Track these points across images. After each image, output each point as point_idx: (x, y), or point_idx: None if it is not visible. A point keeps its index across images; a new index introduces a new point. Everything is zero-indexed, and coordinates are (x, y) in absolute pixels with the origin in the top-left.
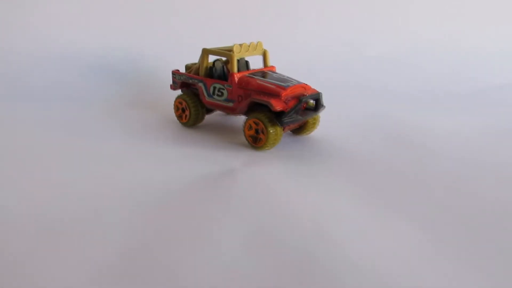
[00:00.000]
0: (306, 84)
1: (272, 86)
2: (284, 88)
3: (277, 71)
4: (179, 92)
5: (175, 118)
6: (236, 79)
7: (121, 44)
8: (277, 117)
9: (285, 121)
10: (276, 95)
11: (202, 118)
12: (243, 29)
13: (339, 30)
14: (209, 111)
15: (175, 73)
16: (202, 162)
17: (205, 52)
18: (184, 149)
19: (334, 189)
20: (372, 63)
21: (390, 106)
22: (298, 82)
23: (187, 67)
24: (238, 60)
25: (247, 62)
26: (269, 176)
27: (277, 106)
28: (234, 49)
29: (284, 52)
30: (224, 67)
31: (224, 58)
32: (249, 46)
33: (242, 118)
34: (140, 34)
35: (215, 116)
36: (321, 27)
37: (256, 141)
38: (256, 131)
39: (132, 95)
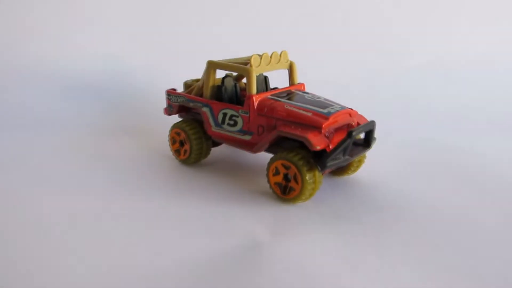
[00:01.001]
0: (352, 109)
1: (308, 114)
2: (325, 116)
3: (306, 89)
4: (175, 118)
5: (171, 153)
6: (256, 103)
7: (103, 58)
8: (316, 158)
9: (328, 164)
10: (314, 126)
11: (207, 153)
12: (259, 36)
13: (370, 35)
14: (216, 143)
15: (171, 93)
16: (210, 231)
17: (212, 66)
18: (183, 205)
19: (401, 263)
20: (412, 75)
21: (438, 128)
22: (342, 107)
23: (187, 86)
24: (256, 77)
25: (266, 79)
26: (311, 254)
27: (318, 143)
28: (252, 61)
29: (308, 65)
30: (237, 86)
31: (235, 74)
32: (270, 57)
33: (263, 156)
34: (128, 46)
35: (224, 149)
36: (348, 33)
37: (286, 191)
38: (286, 177)
39: (117, 122)
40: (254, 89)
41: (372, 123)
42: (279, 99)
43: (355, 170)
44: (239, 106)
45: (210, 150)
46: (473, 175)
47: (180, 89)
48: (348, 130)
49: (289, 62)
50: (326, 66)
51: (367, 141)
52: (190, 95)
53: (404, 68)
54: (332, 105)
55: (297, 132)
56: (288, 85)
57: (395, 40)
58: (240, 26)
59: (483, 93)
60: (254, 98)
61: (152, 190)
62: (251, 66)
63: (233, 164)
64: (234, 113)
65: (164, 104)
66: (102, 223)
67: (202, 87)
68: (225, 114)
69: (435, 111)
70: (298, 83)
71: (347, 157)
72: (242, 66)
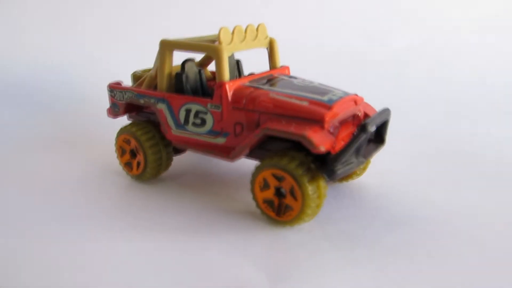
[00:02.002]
0: (357, 95)
1: (304, 104)
2: (326, 105)
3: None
4: (123, 121)
5: (120, 167)
6: (230, 92)
7: (31, 54)
8: (319, 162)
9: (339, 171)
10: (313, 119)
11: (168, 164)
12: (229, 15)
13: (356, 17)
14: (178, 150)
15: (114, 88)
16: (183, 279)
17: (166, 47)
18: (143, 239)
19: None
20: (400, 56)
21: (439, 115)
22: (345, 93)
23: (136, 77)
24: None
25: (238, 63)
26: None
27: (322, 143)
28: (222, 37)
29: (288, 48)
30: (202, 72)
31: (199, 58)
32: (245, 32)
33: (244, 164)
34: (54, 35)
35: (190, 157)
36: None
37: (280, 210)
38: (278, 192)
39: (50, 131)
40: (226, 74)
41: (387, 112)
42: (261, 86)
43: (360, 174)
44: (207, 99)
45: (171, 159)
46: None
47: (127, 83)
48: (361, 122)
49: (268, 38)
50: (304, 48)
51: (380, 136)
52: (140, 89)
53: (391, 49)
54: (332, 91)
55: (291, 129)
56: (268, 68)
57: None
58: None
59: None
60: (227, 86)
61: (99, 221)
62: (220, 43)
63: (203, 176)
64: (201, 108)
65: (107, 104)
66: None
67: (156, 77)
68: (188, 111)
69: (432, 96)
70: (281, 65)
71: (361, 159)
72: (208, 45)
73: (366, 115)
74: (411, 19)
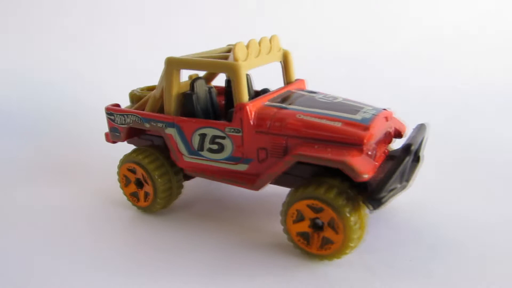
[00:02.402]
0: (387, 110)
1: (337, 125)
2: (362, 126)
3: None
4: (124, 146)
5: (124, 197)
6: (252, 115)
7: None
8: (356, 188)
9: (385, 198)
10: (350, 143)
11: (178, 193)
12: (226, 27)
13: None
14: (188, 176)
15: (113, 111)
16: None
17: (174, 65)
18: (154, 284)
19: None
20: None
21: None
22: (376, 110)
23: (135, 97)
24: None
25: (248, 78)
26: None
27: (365, 170)
28: (238, 52)
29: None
30: (212, 91)
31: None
32: (259, 45)
33: (268, 192)
34: (38, 56)
35: (200, 182)
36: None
37: (319, 245)
38: (314, 224)
39: (43, 161)
40: (245, 95)
41: (424, 128)
42: (285, 106)
43: None
44: (225, 122)
45: (182, 187)
46: None
47: (124, 103)
48: (405, 143)
49: (282, 51)
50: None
51: (416, 154)
52: (144, 112)
53: (386, 52)
54: (362, 107)
55: (328, 156)
56: (282, 83)
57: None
58: (197, 15)
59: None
60: (248, 108)
61: (106, 264)
62: (236, 60)
63: (217, 203)
64: (218, 133)
65: (105, 128)
66: None
67: (161, 98)
68: (203, 136)
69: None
70: (296, 79)
71: (404, 183)
72: (223, 62)
73: (396, 132)
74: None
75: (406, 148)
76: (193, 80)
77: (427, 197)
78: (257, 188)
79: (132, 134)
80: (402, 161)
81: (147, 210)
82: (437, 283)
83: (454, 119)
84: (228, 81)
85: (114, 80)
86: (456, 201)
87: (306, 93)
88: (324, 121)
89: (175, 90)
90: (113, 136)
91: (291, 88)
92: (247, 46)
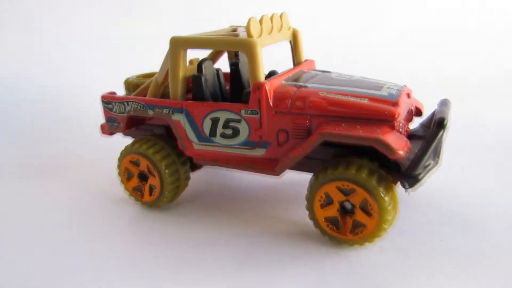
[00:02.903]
0: (406, 87)
1: (364, 101)
2: (391, 101)
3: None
4: (120, 141)
5: (124, 193)
6: (271, 94)
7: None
8: (386, 167)
9: (421, 176)
10: (381, 119)
11: (185, 185)
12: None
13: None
14: (195, 166)
15: (111, 99)
16: None
17: (179, 45)
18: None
19: None
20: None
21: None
22: (399, 86)
23: (132, 85)
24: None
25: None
26: None
27: (400, 147)
28: (251, 28)
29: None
30: (220, 73)
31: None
32: (271, 21)
33: (276, 180)
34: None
35: (205, 171)
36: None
37: (350, 229)
38: (342, 208)
39: (30, 157)
40: (262, 74)
41: (449, 103)
42: (303, 84)
43: None
44: (240, 104)
45: (189, 178)
46: None
47: (119, 91)
48: (437, 118)
49: (291, 29)
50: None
51: (438, 128)
52: (147, 98)
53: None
54: (384, 84)
55: (359, 133)
56: (292, 63)
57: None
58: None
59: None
60: (266, 87)
61: (112, 264)
62: (250, 36)
63: (225, 193)
64: (233, 116)
65: (99, 119)
66: None
67: (164, 83)
68: (215, 121)
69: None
70: (305, 59)
71: (437, 159)
72: (236, 39)
73: (417, 110)
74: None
75: (440, 123)
76: (201, 61)
77: (454, 179)
78: (278, 172)
79: (132, 124)
80: (436, 136)
81: (153, 205)
82: (473, 262)
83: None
84: (234, 64)
85: (103, 70)
86: (483, 184)
87: (320, 73)
88: (349, 98)
89: (182, 72)
90: (111, 127)
91: (303, 68)
92: (260, 22)
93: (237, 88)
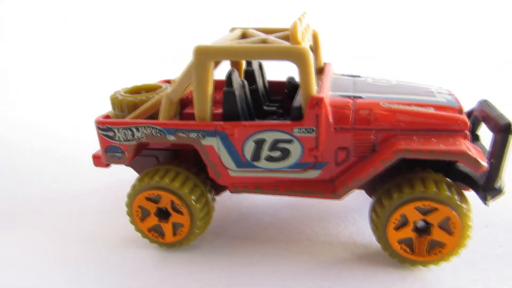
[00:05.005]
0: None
1: (430, 111)
2: (456, 108)
3: None
4: (118, 173)
5: (138, 234)
6: (330, 110)
7: None
8: (465, 181)
9: (502, 186)
10: (454, 130)
11: (213, 213)
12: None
13: None
14: (218, 188)
15: (111, 125)
16: None
17: (208, 57)
18: None
19: None
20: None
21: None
22: (444, 90)
23: (122, 103)
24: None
25: (260, 66)
26: None
27: (482, 157)
28: (298, 33)
29: None
30: (246, 85)
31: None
32: (303, 24)
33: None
34: None
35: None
36: None
37: (427, 248)
38: (417, 229)
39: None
40: (314, 86)
41: (492, 105)
42: (356, 94)
43: None
44: (291, 122)
45: (214, 208)
46: None
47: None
48: (501, 123)
49: (311, 30)
50: None
51: (474, 132)
52: (166, 121)
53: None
54: (429, 87)
55: (441, 148)
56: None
57: None
58: None
59: None
60: (324, 102)
61: None
62: (298, 43)
63: (250, 220)
64: (283, 136)
65: (89, 148)
66: None
67: (176, 103)
68: (261, 142)
69: None
70: (324, 63)
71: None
72: (285, 47)
73: None
74: None
75: (506, 128)
76: (230, 72)
77: None
78: (341, 196)
79: (139, 152)
80: (507, 142)
81: (178, 245)
82: None
83: None
84: (247, 72)
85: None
86: None
87: (351, 78)
88: (415, 108)
89: (211, 88)
90: (110, 158)
91: (329, 73)
92: (300, 23)
93: (253, 98)
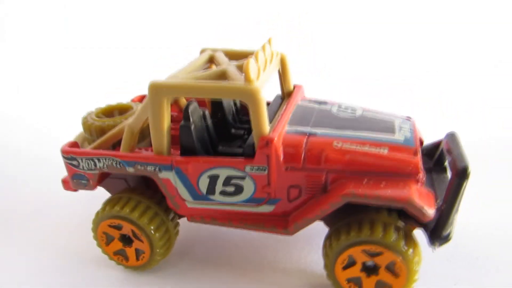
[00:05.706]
0: (410, 118)
1: (384, 152)
2: (411, 149)
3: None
4: (84, 199)
5: (102, 253)
6: (280, 150)
7: None
8: (417, 221)
9: (450, 234)
10: (405, 173)
11: (175, 237)
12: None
13: None
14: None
15: (75, 155)
16: None
17: (163, 94)
18: None
19: None
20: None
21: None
22: (408, 123)
23: (92, 128)
24: None
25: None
26: None
27: (430, 205)
28: (251, 71)
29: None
30: (207, 116)
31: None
32: (264, 54)
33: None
34: None
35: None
36: None
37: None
38: (365, 268)
39: None
40: (267, 124)
41: (458, 138)
42: (310, 130)
43: None
44: (243, 160)
45: (178, 228)
46: None
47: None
48: (458, 166)
49: (279, 56)
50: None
51: (441, 164)
52: (125, 153)
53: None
54: (393, 121)
55: (388, 194)
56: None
57: None
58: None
59: None
60: (275, 142)
61: None
62: (250, 81)
63: (217, 243)
64: (235, 173)
65: (60, 172)
66: None
67: (138, 133)
68: (214, 178)
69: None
70: (294, 85)
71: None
72: (235, 86)
73: (421, 143)
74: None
75: (462, 172)
76: (187, 105)
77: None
78: (292, 233)
79: (103, 179)
80: (461, 188)
81: (141, 269)
82: None
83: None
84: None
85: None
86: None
87: (316, 106)
88: (368, 149)
89: (167, 124)
90: (76, 184)
91: (295, 100)
92: (256, 59)
93: (220, 123)
